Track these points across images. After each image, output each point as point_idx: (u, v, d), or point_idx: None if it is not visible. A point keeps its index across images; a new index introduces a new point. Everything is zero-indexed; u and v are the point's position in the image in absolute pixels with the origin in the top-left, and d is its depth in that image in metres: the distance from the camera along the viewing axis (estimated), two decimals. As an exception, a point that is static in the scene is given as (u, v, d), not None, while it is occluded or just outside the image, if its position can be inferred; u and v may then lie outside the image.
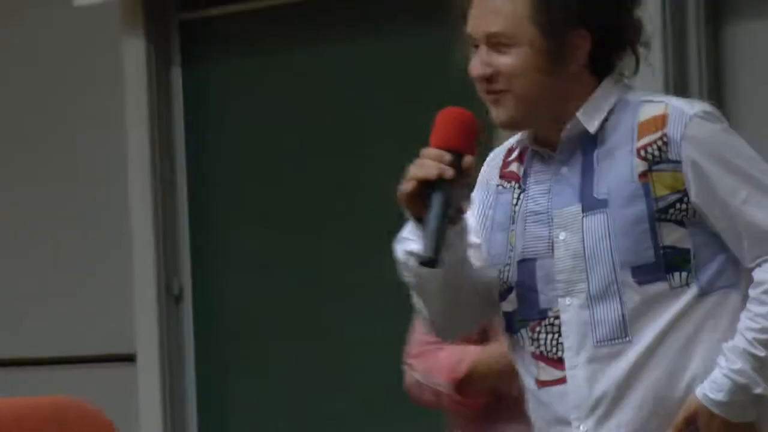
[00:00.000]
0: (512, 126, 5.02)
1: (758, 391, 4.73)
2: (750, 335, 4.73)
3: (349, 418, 10.02)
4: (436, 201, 4.84)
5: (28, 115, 10.79)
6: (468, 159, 4.82)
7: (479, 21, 4.97)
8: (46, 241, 10.75)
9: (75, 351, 10.55)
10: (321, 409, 9.96)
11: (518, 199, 5.06)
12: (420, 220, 4.82)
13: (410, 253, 4.92)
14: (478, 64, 4.92)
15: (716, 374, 4.83)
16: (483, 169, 5.19)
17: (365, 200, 9.77)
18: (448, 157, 4.75)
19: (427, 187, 4.80)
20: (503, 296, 5.05)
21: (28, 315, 10.74)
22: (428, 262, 4.82)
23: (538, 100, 4.96)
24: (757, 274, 4.80)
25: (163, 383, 10.19)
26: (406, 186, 4.77)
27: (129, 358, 10.24)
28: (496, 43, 4.89)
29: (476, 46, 4.98)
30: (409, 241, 4.92)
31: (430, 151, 4.83)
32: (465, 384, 5.72)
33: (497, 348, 5.62)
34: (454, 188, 4.87)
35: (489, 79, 4.93)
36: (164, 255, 10.22)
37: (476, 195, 5.18)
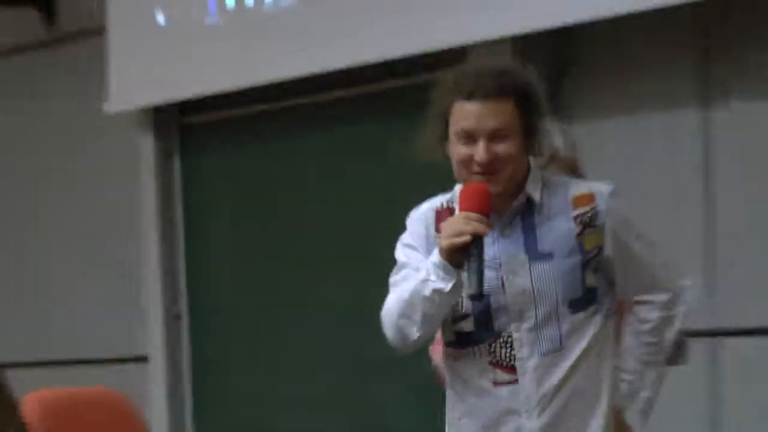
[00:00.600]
0: (503, 194, 5.46)
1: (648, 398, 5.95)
2: (638, 360, 5.87)
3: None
4: (478, 249, 5.32)
5: (66, 188, 11.75)
6: (490, 220, 5.34)
7: (482, 120, 5.40)
8: (83, 278, 11.59)
9: (104, 354, 11.37)
10: (290, 398, 10.55)
11: (478, 264, 5.42)
12: (458, 265, 5.29)
13: (438, 291, 5.35)
14: (482, 151, 5.35)
15: (624, 387, 5.86)
16: (415, 223, 5.64)
17: (331, 251, 10.43)
18: (485, 219, 5.30)
19: (474, 239, 5.30)
20: (457, 321, 5.49)
21: (72, 324, 11.45)
22: (476, 295, 5.34)
23: (511, 178, 5.46)
24: (642, 311, 5.80)
25: (167, 378, 11.11)
26: (461, 240, 5.25)
27: (143, 359, 11.13)
28: (496, 135, 5.38)
29: (468, 139, 5.41)
30: (437, 282, 5.35)
31: (471, 215, 5.29)
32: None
33: None
34: (481, 247, 5.36)
35: (490, 162, 5.39)
36: (169, 289, 11.24)
37: (417, 243, 5.61)
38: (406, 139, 5.81)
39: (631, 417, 5.75)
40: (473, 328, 5.41)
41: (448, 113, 5.40)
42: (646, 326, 5.69)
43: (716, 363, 8.25)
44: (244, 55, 10.36)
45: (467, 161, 5.31)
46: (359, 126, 10.08)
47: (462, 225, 5.23)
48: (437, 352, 5.93)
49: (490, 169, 5.31)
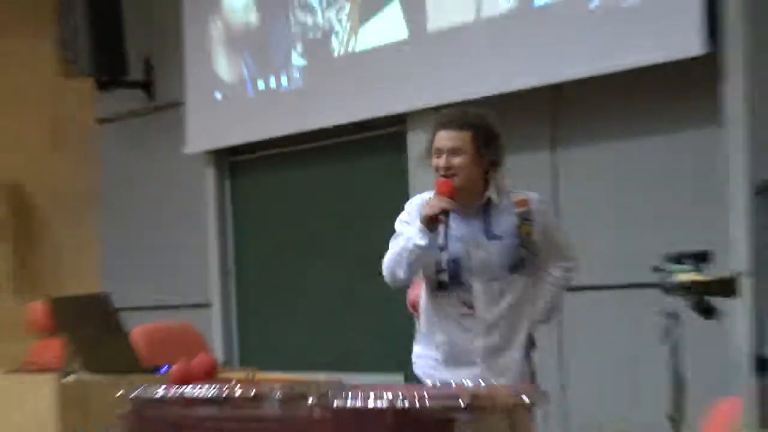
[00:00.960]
0: (454, 193, 5.45)
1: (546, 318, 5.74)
2: (548, 298, 5.65)
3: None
4: (446, 218, 5.35)
5: (162, 202, 11.31)
6: (453, 201, 5.39)
7: (445, 142, 5.47)
8: (169, 253, 11.16)
9: (179, 301, 10.93)
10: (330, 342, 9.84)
11: (446, 231, 5.42)
12: (431, 229, 5.34)
13: (420, 246, 5.41)
14: (442, 161, 5.46)
15: (539, 313, 5.65)
16: (412, 208, 5.62)
17: (335, 244, 9.79)
18: (450, 200, 5.33)
19: (442, 212, 5.36)
20: (439, 274, 5.55)
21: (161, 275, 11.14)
22: (442, 246, 5.36)
23: (467, 181, 5.46)
24: (552, 270, 5.65)
25: (223, 318, 10.67)
26: (434, 211, 5.34)
27: (206, 305, 10.75)
28: (455, 150, 5.46)
29: (438, 153, 5.50)
30: (417, 239, 5.39)
31: (443, 198, 5.39)
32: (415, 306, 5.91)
33: None
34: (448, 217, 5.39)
35: (448, 167, 5.46)
36: (223, 263, 10.77)
37: (411, 221, 5.58)
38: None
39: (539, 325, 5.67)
40: (448, 280, 5.55)
41: (433, 138, 5.54)
42: (553, 279, 5.63)
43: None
44: (269, 117, 10.00)
45: (437, 168, 5.49)
46: (349, 162, 9.56)
47: (436, 202, 5.37)
48: (414, 294, 5.90)
49: (448, 173, 5.46)
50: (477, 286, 5.56)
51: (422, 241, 5.43)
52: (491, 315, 5.59)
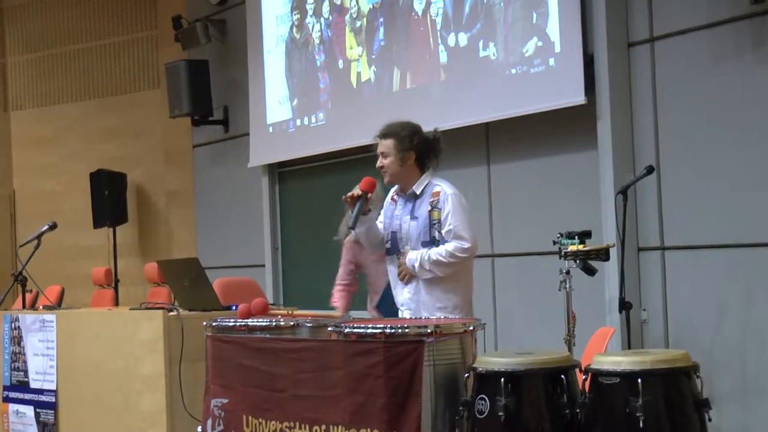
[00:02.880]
0: (389, 183, 5.24)
1: (426, 268, 5.05)
2: (434, 256, 5.03)
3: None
4: (358, 204, 5.03)
5: (236, 200, 10.92)
6: (370, 195, 5.08)
7: (379, 147, 5.17)
8: (241, 229, 10.84)
9: (244, 263, 10.57)
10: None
11: (394, 210, 5.22)
12: (352, 211, 5.05)
13: (350, 227, 5.17)
14: (378, 161, 5.17)
15: (419, 255, 5.07)
16: (388, 196, 5.34)
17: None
18: (363, 192, 5.00)
19: (356, 199, 5.02)
20: (386, 241, 5.23)
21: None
22: (352, 227, 5.12)
23: (396, 175, 5.15)
24: (448, 245, 5.06)
25: (273, 274, 10.30)
26: (349, 197, 5.03)
27: (262, 266, 10.34)
28: (383, 154, 5.15)
29: (378, 155, 5.20)
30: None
31: (358, 189, 5.06)
32: None
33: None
34: (364, 203, 5.04)
35: (381, 166, 5.17)
36: (274, 239, 10.34)
37: (386, 205, 5.32)
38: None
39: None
40: (391, 246, 5.23)
41: None
42: (446, 248, 5.03)
43: (494, 273, 7.71)
44: (304, 143, 9.78)
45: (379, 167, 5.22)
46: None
47: (356, 191, 5.08)
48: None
49: (382, 171, 5.20)
50: (406, 251, 5.17)
51: (350, 228, 5.24)
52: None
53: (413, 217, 5.15)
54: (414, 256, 5.08)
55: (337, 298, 6.41)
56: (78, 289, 10.55)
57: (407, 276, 5.13)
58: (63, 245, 11.68)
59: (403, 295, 5.22)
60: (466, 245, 5.07)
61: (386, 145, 5.17)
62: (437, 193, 5.12)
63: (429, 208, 5.10)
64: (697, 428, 3.78)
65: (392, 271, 5.28)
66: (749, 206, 6.14)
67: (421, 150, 5.16)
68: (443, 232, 5.07)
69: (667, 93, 6.65)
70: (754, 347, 6.09)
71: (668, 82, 6.63)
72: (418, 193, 5.16)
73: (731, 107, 6.25)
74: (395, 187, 5.30)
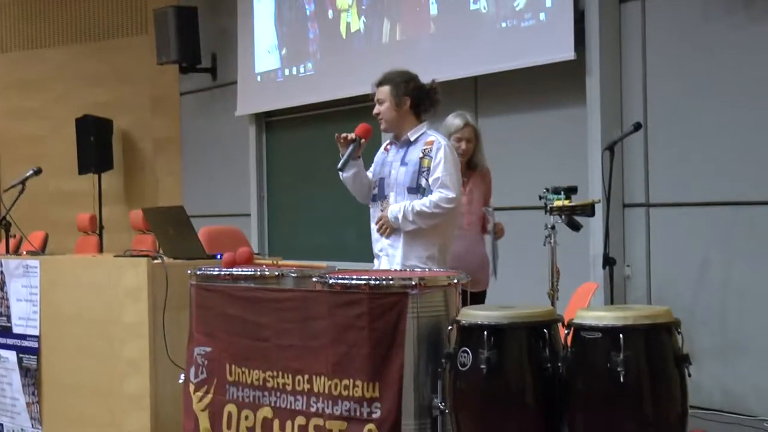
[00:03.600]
0: (385, 131, 5.21)
1: (409, 218, 4.99)
2: (418, 206, 4.98)
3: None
4: (350, 147, 5.05)
5: (222, 148, 11.06)
6: (363, 141, 5.07)
7: (377, 95, 5.13)
8: (231, 185, 11.02)
9: (230, 212, 10.78)
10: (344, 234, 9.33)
11: (385, 158, 5.20)
12: (342, 153, 5.05)
13: (339, 169, 5.11)
14: (376, 108, 5.14)
15: (401, 206, 5.03)
16: (381, 146, 5.29)
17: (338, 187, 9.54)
18: (357, 137, 5.02)
19: (350, 142, 5.03)
20: (373, 188, 5.20)
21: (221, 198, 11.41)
22: (341, 169, 5.11)
23: (391, 122, 5.12)
24: (432, 196, 5.00)
25: (258, 224, 10.39)
26: (343, 138, 5.05)
27: (247, 215, 10.45)
28: (379, 101, 5.13)
29: (374, 101, 5.16)
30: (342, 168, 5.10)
31: (353, 134, 5.03)
32: None
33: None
34: (356, 148, 5.05)
35: (378, 114, 5.13)
36: (261, 188, 10.43)
37: (378, 154, 5.28)
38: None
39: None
40: (377, 192, 5.20)
41: None
42: (430, 198, 4.98)
43: None
44: (291, 93, 9.80)
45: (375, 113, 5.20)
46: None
47: (351, 135, 5.08)
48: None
49: (378, 118, 5.17)
50: (390, 199, 5.14)
51: (338, 170, 5.18)
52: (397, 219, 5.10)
53: (403, 163, 5.13)
54: (396, 208, 5.06)
55: None
56: (62, 235, 10.47)
57: (388, 229, 5.10)
58: (47, 191, 11.69)
59: (381, 241, 5.19)
60: (451, 195, 5.02)
61: (382, 91, 5.15)
62: (431, 142, 5.09)
63: (421, 155, 5.07)
64: (677, 383, 3.79)
65: (374, 216, 5.26)
66: (734, 165, 6.16)
67: (417, 97, 5.13)
68: (430, 180, 5.04)
69: (657, 50, 6.67)
70: (735, 305, 6.16)
71: (658, 39, 6.65)
72: (412, 139, 5.13)
73: (721, 65, 6.27)
74: (389, 139, 5.29)
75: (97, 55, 12.14)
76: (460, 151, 5.59)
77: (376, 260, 5.28)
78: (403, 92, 5.10)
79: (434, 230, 5.07)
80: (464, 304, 4.26)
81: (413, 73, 5.22)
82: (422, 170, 5.06)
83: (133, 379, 5.68)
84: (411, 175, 5.09)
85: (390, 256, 5.13)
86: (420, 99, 5.14)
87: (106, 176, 11.69)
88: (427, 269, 4.89)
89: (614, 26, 6.84)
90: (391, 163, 5.21)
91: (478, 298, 5.22)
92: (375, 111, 5.17)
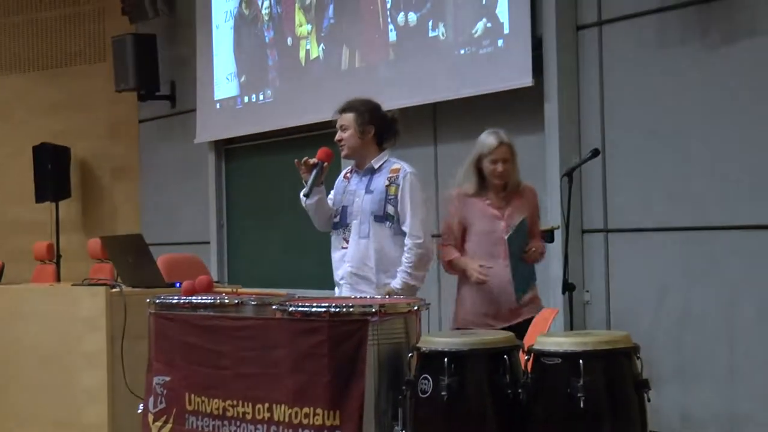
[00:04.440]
0: (347, 157, 5.24)
1: (410, 283, 5.04)
2: (403, 270, 5.04)
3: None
4: (314, 172, 5.08)
5: (179, 175, 11.00)
6: (326, 165, 5.11)
7: (339, 121, 5.17)
8: (188, 211, 10.89)
9: (189, 240, 10.63)
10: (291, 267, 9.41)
11: (346, 186, 5.23)
12: (305, 180, 5.09)
13: (304, 195, 5.13)
14: (338, 134, 5.16)
15: (396, 280, 5.05)
16: (340, 174, 5.33)
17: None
18: (320, 162, 5.06)
19: (312, 167, 5.07)
20: (335, 216, 5.21)
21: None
22: (307, 195, 5.13)
23: (353, 149, 5.15)
24: (406, 240, 5.03)
25: (218, 252, 10.37)
26: (304, 163, 5.08)
27: (207, 243, 10.43)
28: (342, 127, 5.17)
29: (336, 128, 5.19)
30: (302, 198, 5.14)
31: (314, 158, 5.08)
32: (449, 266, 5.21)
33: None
34: (320, 172, 5.09)
35: (339, 140, 5.17)
36: (220, 216, 10.41)
37: (337, 182, 5.31)
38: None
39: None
40: (339, 220, 5.22)
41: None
42: (405, 261, 5.04)
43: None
44: (250, 121, 9.79)
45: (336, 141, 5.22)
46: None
47: (309, 160, 5.11)
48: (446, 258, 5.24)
49: (340, 144, 5.20)
50: (353, 227, 5.16)
51: (303, 198, 5.18)
52: (355, 249, 5.16)
53: (368, 191, 5.15)
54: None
55: (451, 251, 5.36)
56: (19, 264, 10.41)
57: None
58: (4, 219, 11.66)
59: (344, 268, 5.20)
60: (419, 240, 5.06)
61: (346, 118, 5.17)
62: (397, 170, 5.13)
63: (387, 182, 5.11)
64: (637, 408, 3.80)
65: (335, 245, 5.27)
66: (692, 190, 6.18)
67: (380, 126, 5.17)
68: (399, 209, 5.07)
69: (614, 77, 6.69)
70: (694, 329, 6.16)
71: (615, 66, 6.68)
72: (376, 167, 5.16)
73: (677, 93, 6.28)
74: (349, 167, 5.31)
75: (55, 82, 12.08)
76: (496, 173, 5.19)
77: (336, 288, 5.29)
78: (367, 121, 5.15)
79: (398, 260, 5.09)
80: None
81: (376, 102, 5.27)
82: (389, 198, 5.09)
83: (91, 409, 5.70)
84: (378, 203, 5.11)
85: (352, 285, 5.14)
86: (383, 128, 5.19)
87: (63, 204, 11.62)
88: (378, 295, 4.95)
89: (571, 53, 6.86)
90: (354, 191, 5.22)
91: (521, 331, 4.88)
92: (337, 137, 5.19)
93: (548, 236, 5.68)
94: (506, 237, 5.10)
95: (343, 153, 5.23)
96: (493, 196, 5.21)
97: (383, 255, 5.12)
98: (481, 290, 5.16)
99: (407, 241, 5.04)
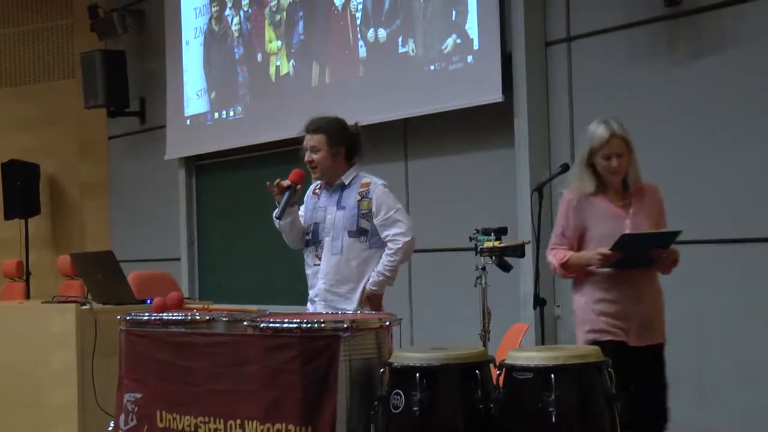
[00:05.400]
0: (318, 179, 5.21)
1: (384, 282, 5.07)
2: (382, 267, 5.05)
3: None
4: (287, 194, 5.07)
5: (150, 192, 10.95)
6: (299, 187, 5.11)
7: (309, 142, 5.13)
8: (158, 228, 10.87)
9: (160, 257, 10.61)
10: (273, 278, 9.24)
11: (317, 202, 5.21)
12: (278, 201, 5.09)
13: (277, 217, 5.14)
14: (307, 155, 5.13)
15: (373, 278, 5.08)
16: (309, 191, 5.31)
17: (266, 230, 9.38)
18: (293, 183, 5.06)
19: (285, 189, 5.06)
20: (307, 233, 5.21)
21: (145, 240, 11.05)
22: (279, 217, 5.13)
23: (326, 170, 5.13)
24: (389, 245, 5.08)
25: (188, 268, 10.33)
26: (277, 187, 5.07)
27: (177, 259, 10.37)
28: (313, 149, 5.12)
29: (305, 149, 5.16)
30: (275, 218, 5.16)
31: (287, 180, 5.08)
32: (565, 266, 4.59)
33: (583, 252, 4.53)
34: (292, 194, 5.09)
35: (310, 161, 5.14)
36: (191, 232, 10.34)
37: (307, 198, 5.30)
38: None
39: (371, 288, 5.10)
40: (311, 237, 5.21)
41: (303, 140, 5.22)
42: (386, 252, 5.06)
43: (411, 268, 7.57)
44: (220, 137, 9.77)
45: (306, 163, 5.19)
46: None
47: (282, 182, 5.10)
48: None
49: (311, 166, 5.15)
50: (325, 243, 5.15)
51: (276, 220, 5.20)
52: (328, 265, 5.15)
53: (340, 207, 5.15)
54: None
55: (563, 253, 4.79)
56: (-12, 281, 10.41)
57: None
58: (-27, 236, 11.59)
59: (318, 286, 5.20)
60: (404, 227, 5.09)
61: (317, 140, 5.15)
62: (367, 184, 5.14)
63: (358, 197, 5.11)
64: (608, 422, 3.82)
65: (308, 263, 5.27)
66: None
67: (349, 144, 5.18)
68: (376, 221, 5.08)
69: (583, 92, 6.74)
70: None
71: (584, 81, 6.74)
72: (346, 183, 5.16)
73: (645, 107, 6.32)
74: (317, 183, 5.30)
75: (23, 99, 12.04)
76: (610, 170, 4.57)
77: (310, 305, 5.27)
78: (338, 141, 5.15)
79: (367, 270, 5.10)
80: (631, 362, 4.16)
81: (342, 119, 5.27)
82: (362, 213, 5.10)
83: (61, 427, 5.70)
84: (351, 219, 5.12)
85: (326, 301, 5.13)
86: (352, 146, 5.20)
87: (33, 221, 11.55)
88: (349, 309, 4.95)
89: (541, 68, 6.90)
90: (324, 207, 5.21)
91: (654, 356, 4.52)
92: (308, 158, 5.17)
93: (519, 251, 5.72)
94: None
95: (315, 175, 5.23)
96: (613, 195, 4.60)
97: (357, 270, 5.12)
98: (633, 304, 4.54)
99: (392, 246, 5.06)
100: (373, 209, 5.09)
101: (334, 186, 5.21)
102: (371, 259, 5.14)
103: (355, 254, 5.13)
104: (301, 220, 5.28)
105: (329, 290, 5.16)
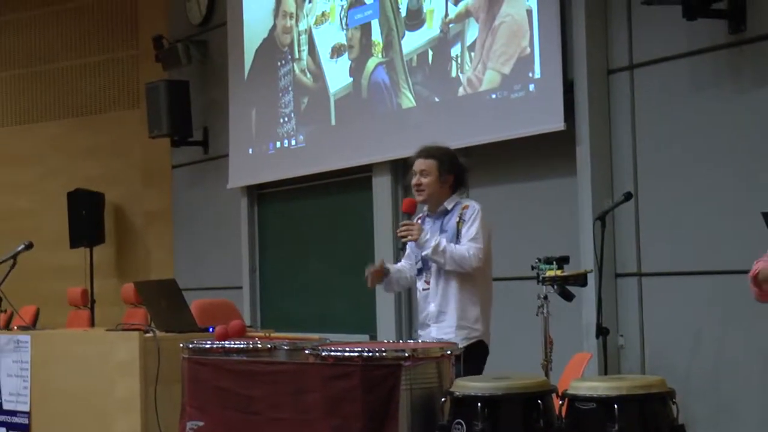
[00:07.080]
0: (422, 202, 5.34)
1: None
2: (453, 246, 5.11)
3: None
4: (384, 281, 5.35)
5: (220, 218, 10.95)
6: (412, 217, 5.28)
7: (420, 166, 5.29)
8: (220, 254, 10.92)
9: (222, 285, 10.66)
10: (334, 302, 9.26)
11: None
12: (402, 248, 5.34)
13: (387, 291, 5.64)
14: (416, 178, 5.27)
15: (441, 242, 5.12)
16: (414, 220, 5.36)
17: (330, 257, 9.43)
18: (407, 215, 5.25)
19: (383, 275, 5.33)
20: (417, 261, 5.31)
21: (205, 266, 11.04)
22: (387, 290, 5.53)
23: (432, 194, 5.26)
24: (463, 246, 5.12)
25: (250, 297, 10.30)
26: (374, 273, 5.29)
27: (239, 287, 10.34)
28: (423, 173, 5.27)
29: (415, 173, 5.30)
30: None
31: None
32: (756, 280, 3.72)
33: None
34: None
35: (419, 184, 5.28)
36: (253, 260, 10.32)
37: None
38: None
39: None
40: (422, 266, 5.30)
41: (412, 164, 5.35)
42: (462, 248, 5.06)
43: None
44: (282, 166, 9.79)
45: (413, 185, 5.32)
46: (334, 196, 9.26)
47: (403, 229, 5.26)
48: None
49: (419, 189, 5.28)
50: (433, 268, 5.25)
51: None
52: (435, 288, 5.25)
53: (443, 231, 5.24)
54: (436, 244, 5.14)
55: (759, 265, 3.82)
56: (53, 309, 10.37)
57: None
58: (39, 265, 11.58)
59: (429, 309, 5.26)
60: (479, 246, 5.14)
61: (428, 164, 5.30)
62: (466, 207, 5.26)
63: (457, 219, 5.21)
64: (673, 453, 3.79)
65: (418, 287, 5.36)
66: (725, 233, 6.16)
67: (458, 174, 5.33)
68: (463, 231, 5.19)
69: (645, 120, 6.70)
70: (729, 374, 6.10)
71: (647, 109, 6.69)
72: (449, 208, 5.29)
73: (709, 135, 6.29)
74: (421, 213, 5.43)
75: (89, 129, 12.18)
76: None
77: (420, 329, 5.37)
78: (448, 170, 5.30)
79: (476, 298, 5.21)
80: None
81: (454, 151, 5.46)
82: (459, 234, 5.21)
83: (126, 454, 5.67)
84: (452, 241, 5.20)
85: (439, 325, 5.21)
86: (460, 176, 5.37)
87: (97, 250, 11.66)
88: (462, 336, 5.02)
89: (603, 96, 6.88)
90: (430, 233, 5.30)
91: None
92: (416, 181, 5.31)
93: (581, 280, 5.69)
94: None
95: (421, 198, 5.36)
96: None
97: (463, 292, 5.21)
98: None
99: (471, 249, 5.14)
100: (466, 222, 5.20)
101: (437, 213, 5.32)
102: (475, 277, 5.24)
103: (460, 276, 5.22)
104: (403, 262, 5.46)
105: (441, 311, 5.22)
